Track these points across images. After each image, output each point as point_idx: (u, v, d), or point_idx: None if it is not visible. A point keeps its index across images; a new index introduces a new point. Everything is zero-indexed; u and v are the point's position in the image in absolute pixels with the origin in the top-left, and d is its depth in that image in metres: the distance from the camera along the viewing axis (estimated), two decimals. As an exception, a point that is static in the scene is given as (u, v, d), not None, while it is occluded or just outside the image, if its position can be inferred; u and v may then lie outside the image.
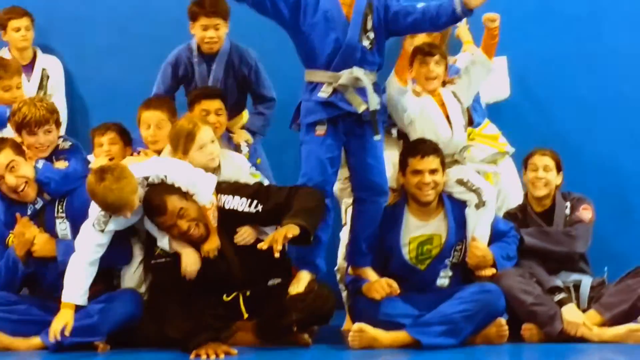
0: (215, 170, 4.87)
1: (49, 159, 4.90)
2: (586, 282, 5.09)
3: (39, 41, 6.31)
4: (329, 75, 4.72)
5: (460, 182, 4.97)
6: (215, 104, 5.33)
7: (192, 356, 4.32)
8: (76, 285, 4.54)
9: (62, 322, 4.44)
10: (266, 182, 5.03)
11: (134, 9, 6.42)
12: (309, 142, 4.79)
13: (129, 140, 5.31)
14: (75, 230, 4.74)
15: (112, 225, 4.55)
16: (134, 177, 4.49)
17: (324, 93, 4.69)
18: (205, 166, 4.75)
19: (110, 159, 5.16)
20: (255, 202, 4.63)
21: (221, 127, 5.33)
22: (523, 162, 5.32)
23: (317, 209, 4.63)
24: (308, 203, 4.57)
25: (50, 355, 4.55)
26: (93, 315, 4.59)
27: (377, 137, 4.79)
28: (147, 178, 4.56)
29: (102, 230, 4.55)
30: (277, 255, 4.23)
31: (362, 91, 4.72)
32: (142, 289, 4.82)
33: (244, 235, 4.60)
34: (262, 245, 4.29)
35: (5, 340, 4.61)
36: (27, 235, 4.70)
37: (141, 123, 5.29)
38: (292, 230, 4.33)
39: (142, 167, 4.71)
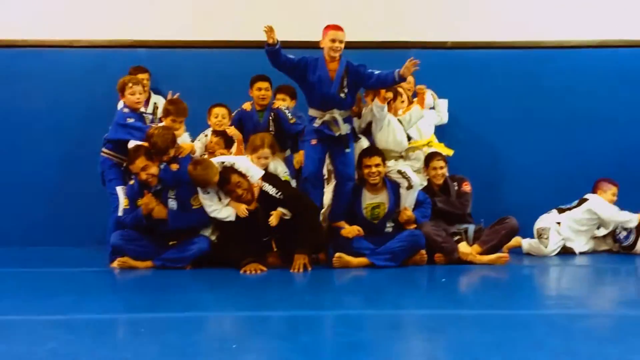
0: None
1: (168, 161, 5.50)
2: (471, 228, 5.88)
3: (152, 86, 6.80)
4: (319, 113, 5.55)
5: (399, 172, 5.66)
6: (263, 84, 6.04)
7: (241, 271, 5.11)
8: (226, 211, 5.32)
9: (240, 208, 5.27)
10: (293, 182, 5.76)
11: (208, 66, 7.00)
12: (307, 148, 5.62)
13: (230, 143, 5.97)
14: (180, 205, 5.40)
15: (211, 192, 5.39)
16: (215, 167, 5.29)
17: (316, 124, 5.53)
18: (258, 166, 5.53)
19: (212, 152, 5.91)
20: (279, 192, 5.39)
21: (267, 99, 6.04)
22: (425, 163, 6.05)
23: (314, 229, 5.39)
24: (310, 224, 5.35)
25: (158, 270, 5.32)
26: (182, 251, 5.37)
27: (347, 150, 5.63)
28: (223, 162, 5.41)
29: (208, 193, 5.36)
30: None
31: (337, 122, 5.52)
32: (213, 237, 5.51)
33: (272, 219, 5.34)
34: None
35: (131, 262, 5.41)
36: (150, 205, 5.37)
37: (212, 114, 6.02)
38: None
39: (224, 157, 5.57)
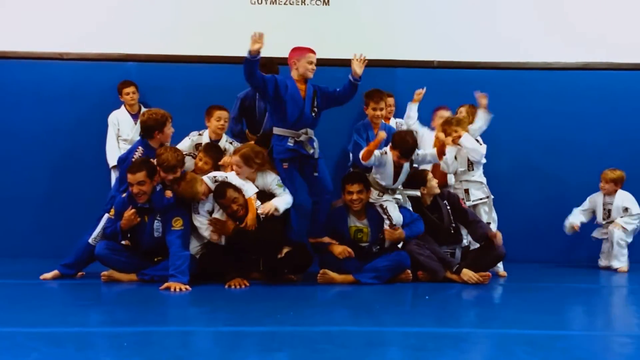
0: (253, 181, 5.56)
1: (171, 181, 5.36)
2: (458, 250, 5.91)
3: (141, 100, 6.96)
4: (292, 132, 5.56)
5: (382, 208, 5.65)
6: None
7: (226, 286, 5.18)
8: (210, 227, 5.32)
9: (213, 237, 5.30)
10: (287, 191, 5.57)
11: (197, 82, 7.05)
12: (281, 171, 5.64)
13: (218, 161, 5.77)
14: (163, 227, 5.33)
15: (203, 207, 5.41)
16: (198, 178, 5.31)
17: (290, 143, 5.54)
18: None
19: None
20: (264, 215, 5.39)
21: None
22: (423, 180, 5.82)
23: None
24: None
25: (141, 284, 5.33)
26: (167, 268, 5.19)
27: (315, 174, 5.65)
28: (215, 177, 5.42)
29: (198, 212, 5.39)
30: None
31: (310, 141, 5.60)
32: (197, 256, 5.49)
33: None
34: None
35: (116, 274, 5.42)
36: (134, 221, 5.35)
37: (214, 116, 5.91)
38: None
39: (215, 173, 5.53)
